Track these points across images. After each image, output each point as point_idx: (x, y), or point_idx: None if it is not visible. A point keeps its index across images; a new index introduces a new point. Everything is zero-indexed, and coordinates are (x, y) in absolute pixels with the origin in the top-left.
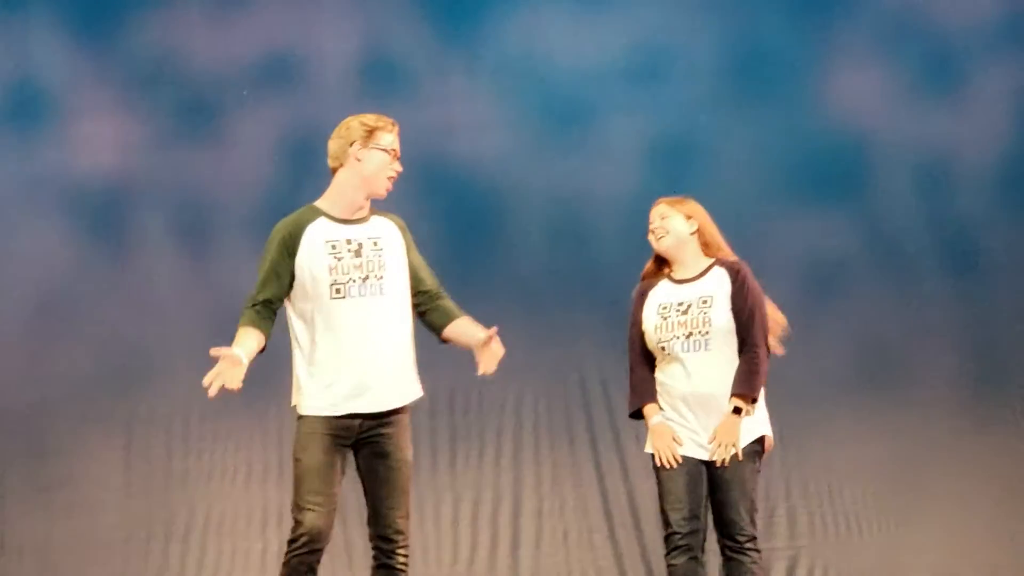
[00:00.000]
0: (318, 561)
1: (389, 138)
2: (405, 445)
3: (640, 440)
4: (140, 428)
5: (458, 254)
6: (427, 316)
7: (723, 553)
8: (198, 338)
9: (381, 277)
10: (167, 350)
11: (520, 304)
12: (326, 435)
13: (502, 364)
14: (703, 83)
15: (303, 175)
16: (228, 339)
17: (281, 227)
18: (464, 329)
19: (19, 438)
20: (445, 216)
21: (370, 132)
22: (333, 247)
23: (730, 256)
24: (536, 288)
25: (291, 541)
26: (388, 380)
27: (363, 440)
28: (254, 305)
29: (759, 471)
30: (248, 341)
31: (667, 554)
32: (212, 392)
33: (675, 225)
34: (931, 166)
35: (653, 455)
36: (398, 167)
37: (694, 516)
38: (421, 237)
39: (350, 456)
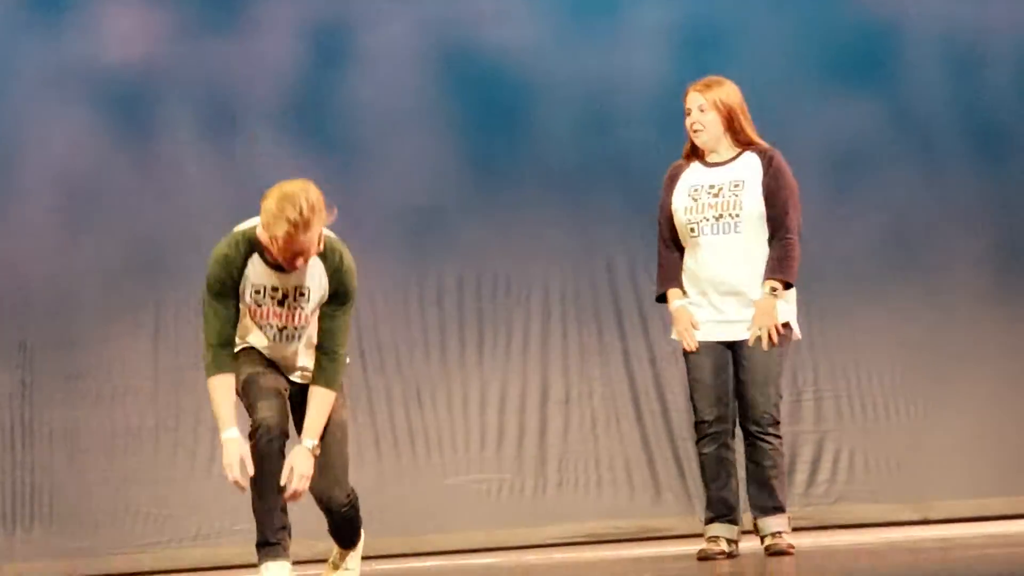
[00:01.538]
0: (282, 445)
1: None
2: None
3: (668, 326)
4: (168, 318)
5: (486, 143)
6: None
7: (745, 437)
8: (225, 228)
9: (297, 328)
10: (195, 240)
11: (548, 191)
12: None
13: (530, 249)
14: None
15: (330, 63)
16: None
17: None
18: (309, 413)
19: (48, 327)
20: (474, 107)
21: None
22: (257, 292)
23: (761, 143)
24: (564, 175)
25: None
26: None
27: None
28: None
29: (784, 356)
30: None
31: (697, 442)
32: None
33: (710, 119)
34: (959, 49)
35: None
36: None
37: (722, 404)
38: (449, 128)
39: None
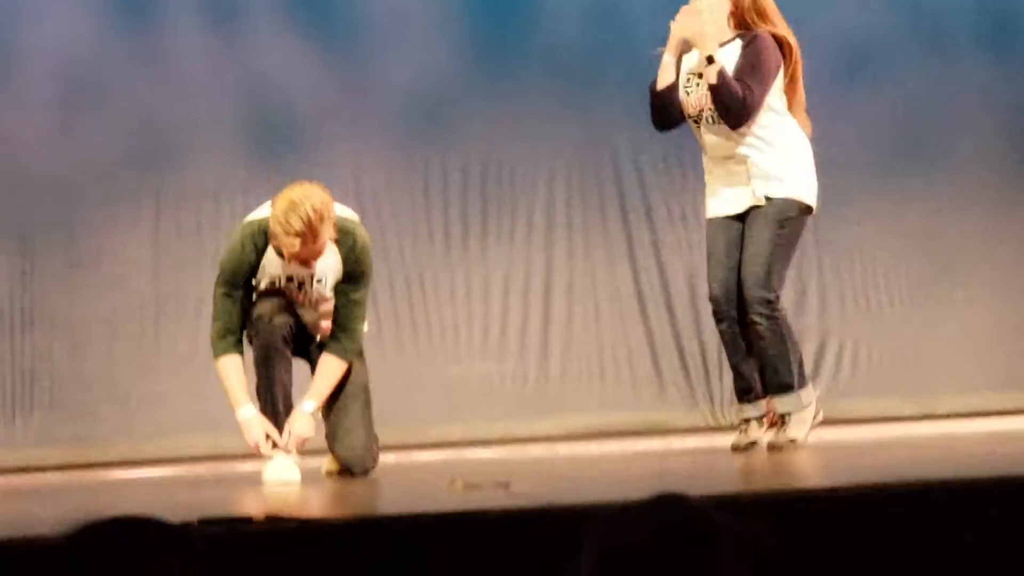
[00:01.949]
0: (286, 333)
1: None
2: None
3: (672, 216)
4: (169, 205)
5: (492, 28)
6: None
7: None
8: (227, 115)
9: (315, 304)
10: (196, 127)
11: (552, 78)
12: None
13: (534, 138)
14: None
15: None
16: (256, 117)
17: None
18: (315, 377)
19: (48, 214)
20: None
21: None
22: (272, 283)
23: (757, 29)
24: (568, 62)
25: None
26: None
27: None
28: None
29: (785, 234)
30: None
31: (716, 322)
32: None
33: (705, 4)
34: None
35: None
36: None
37: (730, 281)
38: (455, 13)
39: None
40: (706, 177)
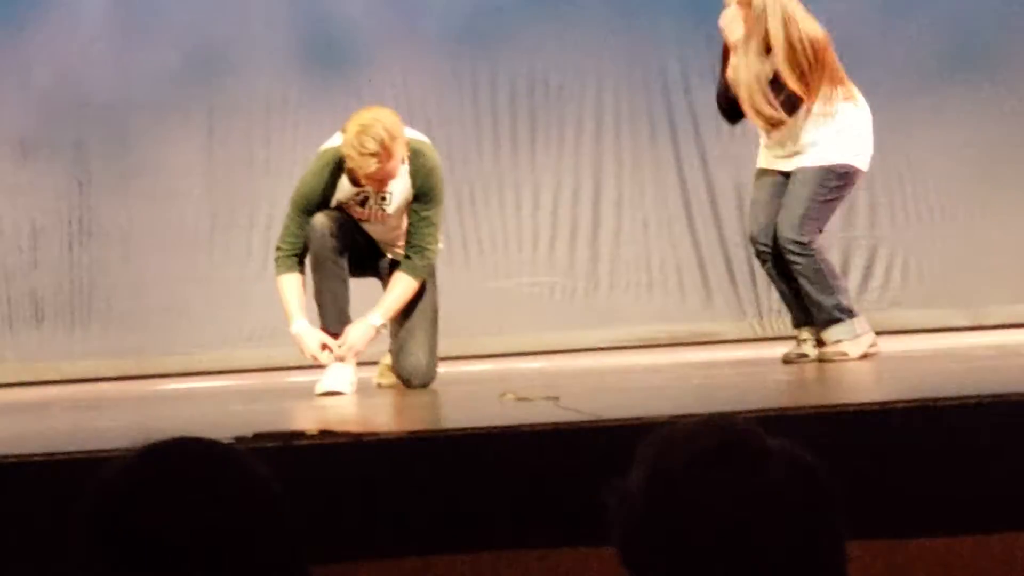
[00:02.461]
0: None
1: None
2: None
3: (720, 130)
4: (221, 117)
5: None
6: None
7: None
8: (278, 29)
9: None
10: (248, 41)
11: None
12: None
13: (583, 51)
14: None
15: None
16: (306, 31)
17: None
18: (385, 293)
19: (101, 127)
20: None
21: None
22: (341, 203)
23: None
24: None
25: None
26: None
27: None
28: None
29: (825, 193)
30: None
31: (760, 262)
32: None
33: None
34: None
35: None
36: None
37: (769, 224)
38: None
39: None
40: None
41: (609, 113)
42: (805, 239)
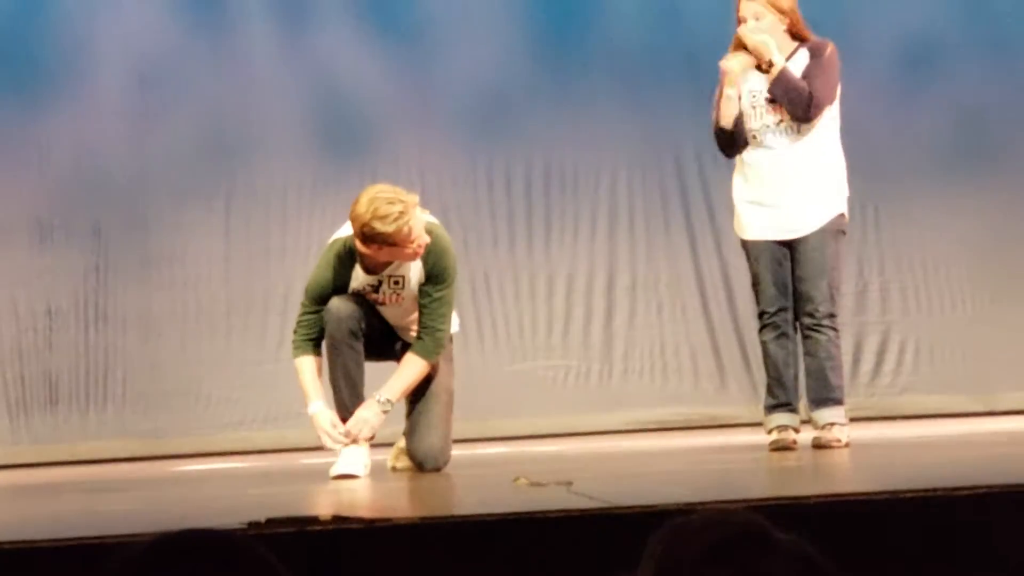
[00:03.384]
0: (354, 328)
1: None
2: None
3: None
4: (239, 203)
5: (557, 30)
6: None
7: (801, 331)
8: (296, 114)
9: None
10: (266, 125)
11: (615, 80)
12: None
13: (598, 138)
14: None
15: None
16: (324, 116)
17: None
18: (395, 373)
19: (121, 211)
20: None
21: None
22: (356, 292)
23: (814, 37)
24: (631, 64)
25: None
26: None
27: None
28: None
29: (839, 250)
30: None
31: (759, 331)
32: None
33: (767, 24)
34: None
35: (745, 243)
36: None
37: (782, 295)
38: (519, 14)
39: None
40: (749, 196)
41: (623, 199)
42: (833, 310)
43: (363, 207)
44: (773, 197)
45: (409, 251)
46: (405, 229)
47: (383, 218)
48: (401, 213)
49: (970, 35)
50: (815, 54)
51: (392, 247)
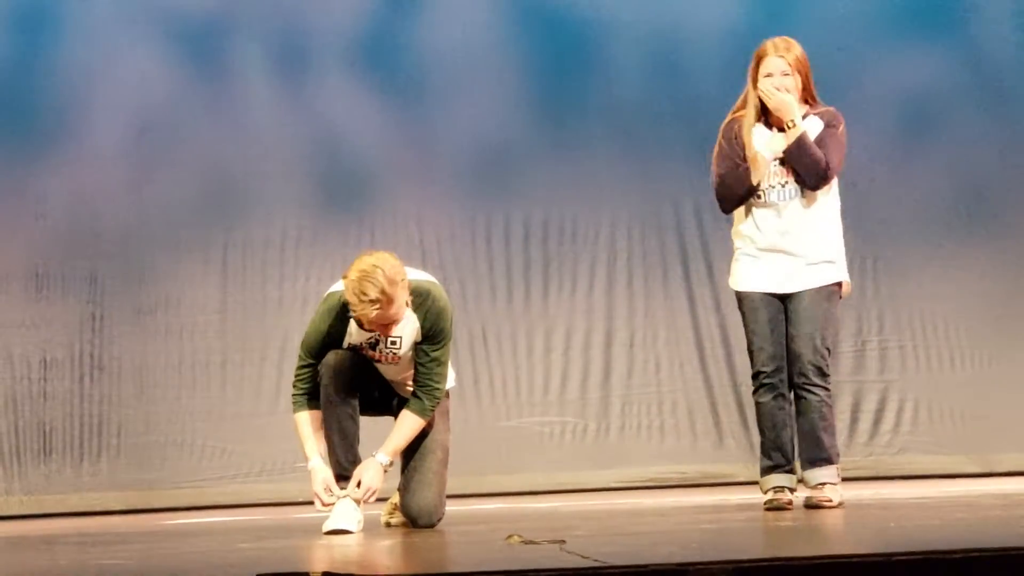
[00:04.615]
0: (348, 381)
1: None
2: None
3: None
4: (236, 254)
5: (555, 84)
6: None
7: (794, 390)
8: (294, 167)
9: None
10: (263, 177)
11: (614, 136)
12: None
13: (596, 194)
14: None
15: (400, 1)
16: (322, 169)
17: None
18: (392, 431)
19: (117, 262)
20: (539, 48)
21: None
22: (351, 347)
23: (822, 105)
24: (631, 120)
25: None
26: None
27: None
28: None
29: (832, 310)
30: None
31: (754, 392)
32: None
33: (791, 83)
34: None
35: (740, 296)
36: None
37: (778, 354)
38: (517, 68)
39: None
40: (747, 249)
41: (622, 255)
42: (826, 370)
43: (350, 282)
44: (772, 253)
45: (388, 330)
46: (383, 315)
47: (363, 302)
48: (379, 301)
49: (967, 93)
50: (829, 124)
51: (372, 324)
